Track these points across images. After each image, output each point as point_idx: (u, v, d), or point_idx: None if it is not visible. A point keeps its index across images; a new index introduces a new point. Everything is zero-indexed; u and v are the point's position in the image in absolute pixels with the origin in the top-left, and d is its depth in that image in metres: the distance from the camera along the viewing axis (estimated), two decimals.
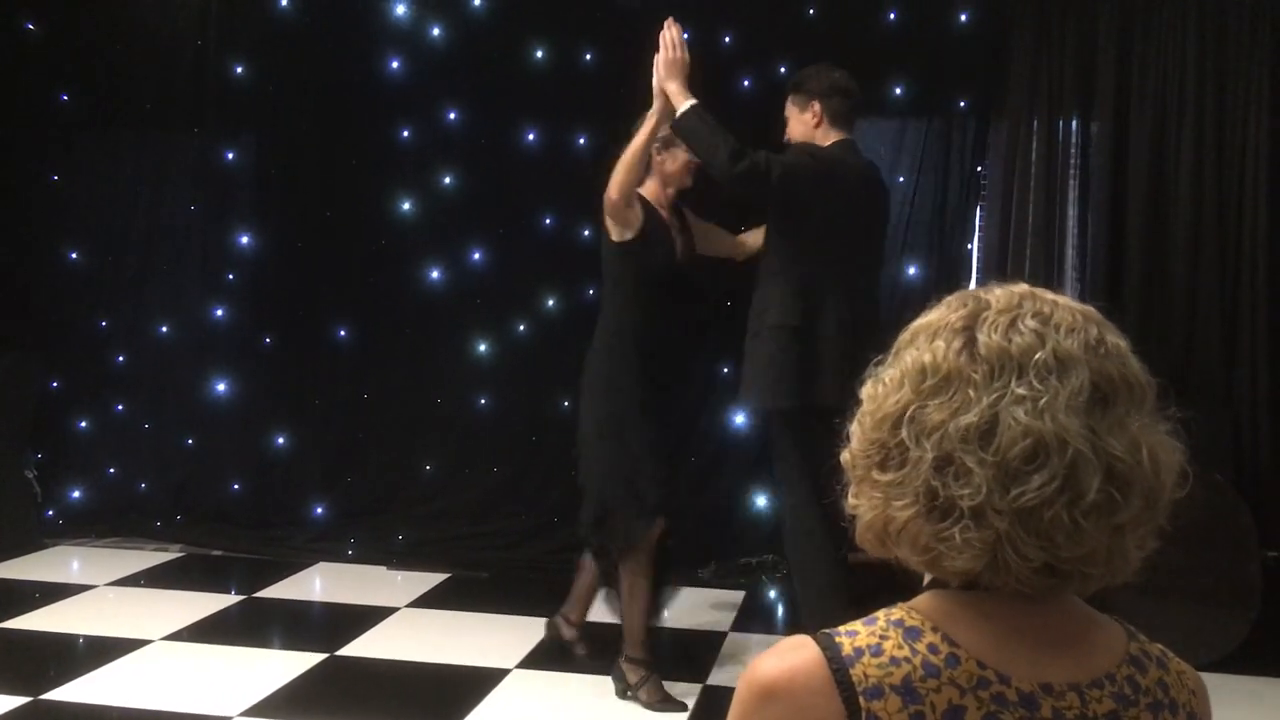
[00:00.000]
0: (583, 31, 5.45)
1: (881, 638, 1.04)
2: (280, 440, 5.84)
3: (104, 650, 4.27)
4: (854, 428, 1.11)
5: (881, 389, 1.08)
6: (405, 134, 5.67)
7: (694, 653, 4.43)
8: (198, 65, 5.84)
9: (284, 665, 4.19)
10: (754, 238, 4.16)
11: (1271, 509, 4.63)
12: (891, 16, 5.26)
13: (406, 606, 4.90)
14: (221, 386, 5.88)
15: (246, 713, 3.77)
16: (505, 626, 4.61)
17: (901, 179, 5.32)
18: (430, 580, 5.24)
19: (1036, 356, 1.03)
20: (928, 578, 1.10)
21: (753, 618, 4.90)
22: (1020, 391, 1.01)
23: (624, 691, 3.94)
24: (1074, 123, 5.10)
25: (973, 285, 5.16)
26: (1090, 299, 1.12)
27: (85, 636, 4.46)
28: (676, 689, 4.02)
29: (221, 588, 5.08)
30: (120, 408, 5.97)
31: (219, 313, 5.90)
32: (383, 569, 5.41)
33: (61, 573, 5.28)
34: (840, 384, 3.88)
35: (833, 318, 3.80)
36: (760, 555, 5.31)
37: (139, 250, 5.96)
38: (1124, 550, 1.04)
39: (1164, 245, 4.97)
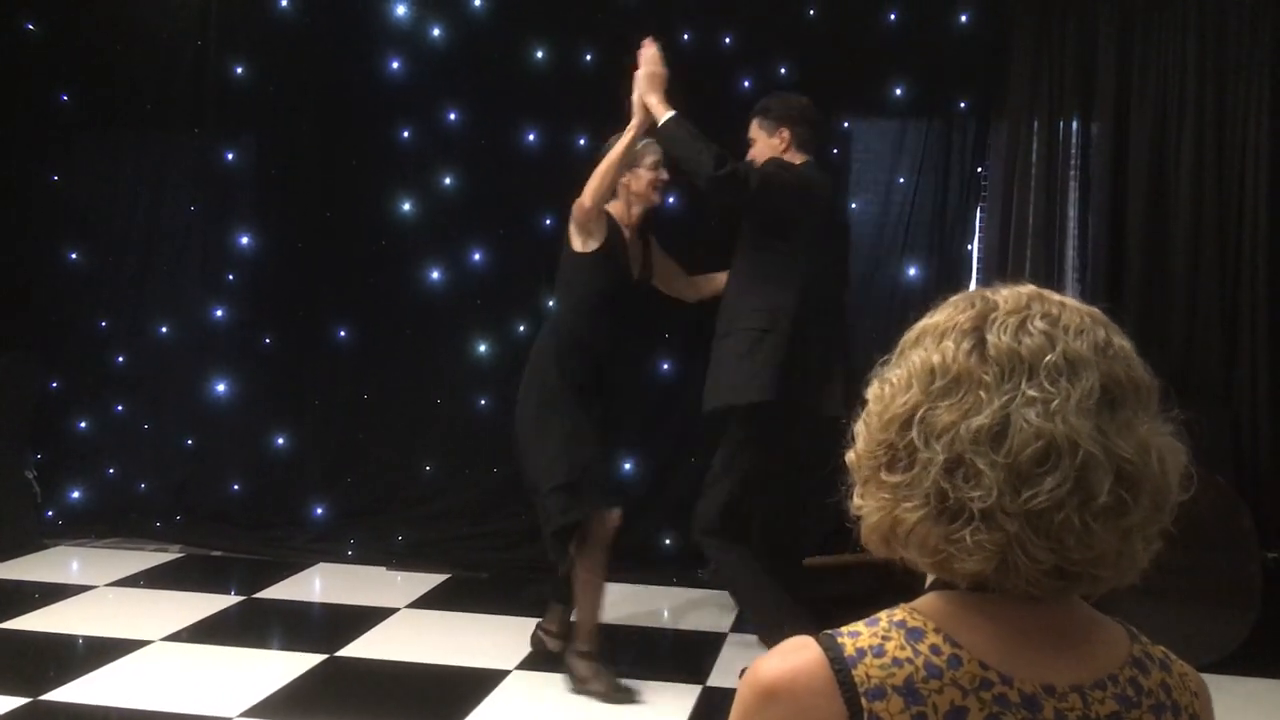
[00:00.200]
0: (582, 32, 5.45)
1: (884, 639, 1.04)
2: (280, 440, 5.83)
3: (104, 651, 4.27)
4: (859, 428, 1.10)
5: (889, 389, 1.07)
6: (405, 134, 5.67)
7: (693, 654, 4.43)
8: (198, 65, 5.84)
9: (283, 666, 4.19)
10: (710, 284, 4.32)
11: (1272, 510, 4.63)
12: (892, 17, 5.26)
13: (406, 607, 4.90)
14: (221, 387, 5.87)
15: (246, 713, 3.76)
16: (505, 627, 4.61)
17: (902, 179, 5.32)
18: (430, 581, 5.24)
19: (1047, 358, 1.02)
20: (929, 579, 1.10)
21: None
22: (1031, 393, 1.01)
23: (577, 686, 3.98)
24: (1074, 123, 5.11)
25: (973, 286, 5.17)
26: (1091, 300, 1.11)
27: (85, 637, 4.46)
28: (675, 690, 4.02)
29: (221, 588, 5.08)
30: (120, 408, 5.97)
31: (219, 313, 5.90)
32: (382, 569, 5.41)
33: (61, 573, 5.28)
34: (808, 383, 3.95)
35: (801, 322, 3.93)
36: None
37: (139, 250, 5.96)
38: (1133, 552, 1.04)
39: (1164, 246, 4.97)
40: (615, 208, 4.02)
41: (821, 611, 3.73)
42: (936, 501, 1.02)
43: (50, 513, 5.88)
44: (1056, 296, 1.09)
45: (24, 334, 5.84)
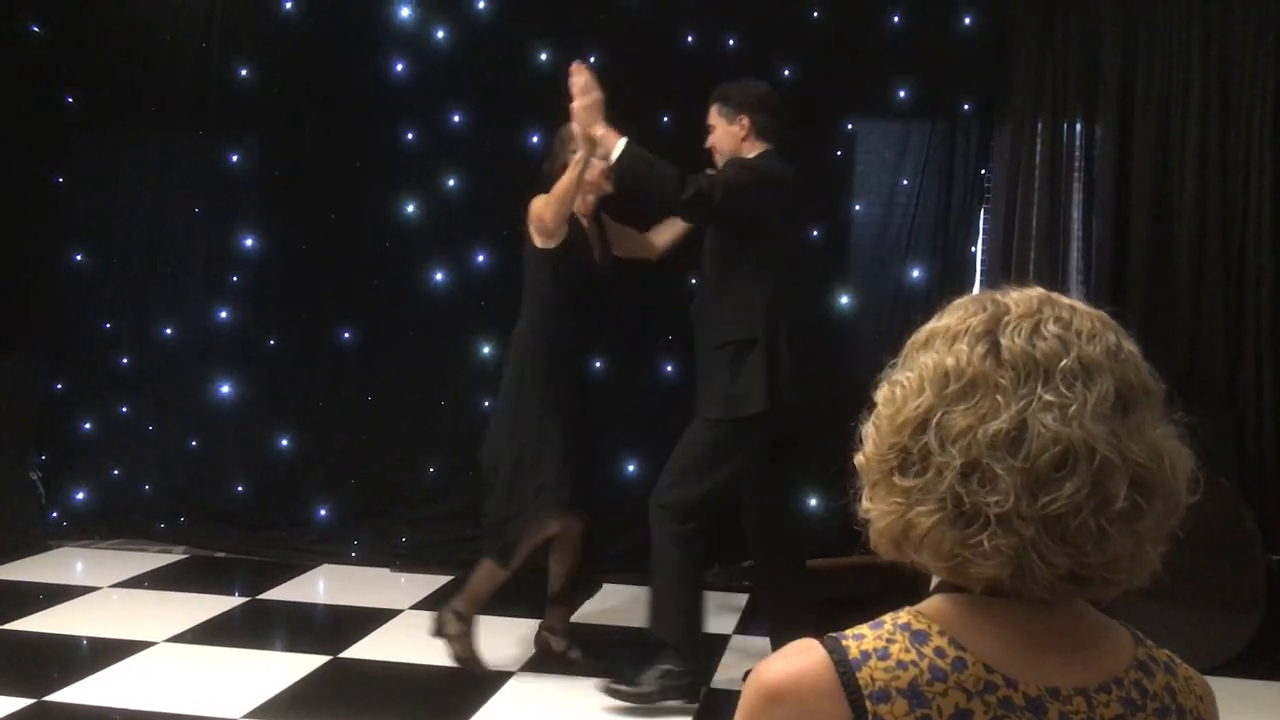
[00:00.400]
0: (586, 34, 5.45)
1: (888, 641, 1.04)
2: (284, 442, 5.84)
3: (108, 652, 4.27)
4: (869, 430, 1.09)
5: (900, 392, 1.06)
6: (409, 136, 5.67)
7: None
8: (202, 67, 5.85)
9: (287, 667, 4.19)
10: (661, 235, 4.34)
11: (1276, 513, 4.62)
12: (895, 19, 5.26)
13: (410, 609, 4.90)
14: (225, 388, 5.88)
15: (250, 715, 3.77)
16: (508, 630, 4.60)
17: (905, 182, 5.32)
18: (433, 582, 5.24)
19: (1062, 363, 1.02)
20: (934, 582, 1.10)
21: (757, 621, 4.89)
22: (1048, 398, 1.01)
23: (437, 632, 4.09)
24: (1078, 125, 5.10)
25: (977, 288, 5.17)
26: (1094, 301, 1.11)
27: (89, 638, 4.46)
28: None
29: (225, 589, 5.08)
30: (124, 409, 5.98)
31: (223, 315, 5.91)
32: (386, 571, 5.41)
33: (65, 574, 5.29)
34: (797, 393, 3.91)
35: (786, 328, 3.89)
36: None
37: (143, 252, 5.97)
38: (1145, 556, 1.04)
39: (1168, 248, 4.97)
40: None
41: (825, 613, 3.73)
42: (952, 506, 1.01)
43: (55, 514, 5.88)
44: (1066, 300, 1.08)
45: (28, 335, 5.86)
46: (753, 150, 4.00)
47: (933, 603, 1.08)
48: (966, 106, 5.26)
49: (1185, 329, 4.93)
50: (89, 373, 5.98)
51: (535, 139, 5.59)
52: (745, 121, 3.98)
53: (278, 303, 5.85)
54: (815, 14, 5.32)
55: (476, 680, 4.10)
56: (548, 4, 5.52)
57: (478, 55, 5.58)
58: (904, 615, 1.07)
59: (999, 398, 1.01)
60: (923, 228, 5.30)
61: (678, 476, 3.90)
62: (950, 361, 1.04)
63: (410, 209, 5.67)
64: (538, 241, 3.99)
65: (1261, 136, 4.86)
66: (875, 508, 1.07)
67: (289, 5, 5.75)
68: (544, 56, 5.52)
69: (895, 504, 1.05)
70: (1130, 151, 5.00)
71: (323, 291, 5.77)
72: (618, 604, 4.79)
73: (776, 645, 3.93)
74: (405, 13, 5.65)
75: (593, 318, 4.19)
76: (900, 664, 1.02)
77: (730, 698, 3.91)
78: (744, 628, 4.75)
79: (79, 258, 5.98)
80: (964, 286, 5.08)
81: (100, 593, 5.03)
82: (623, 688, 3.84)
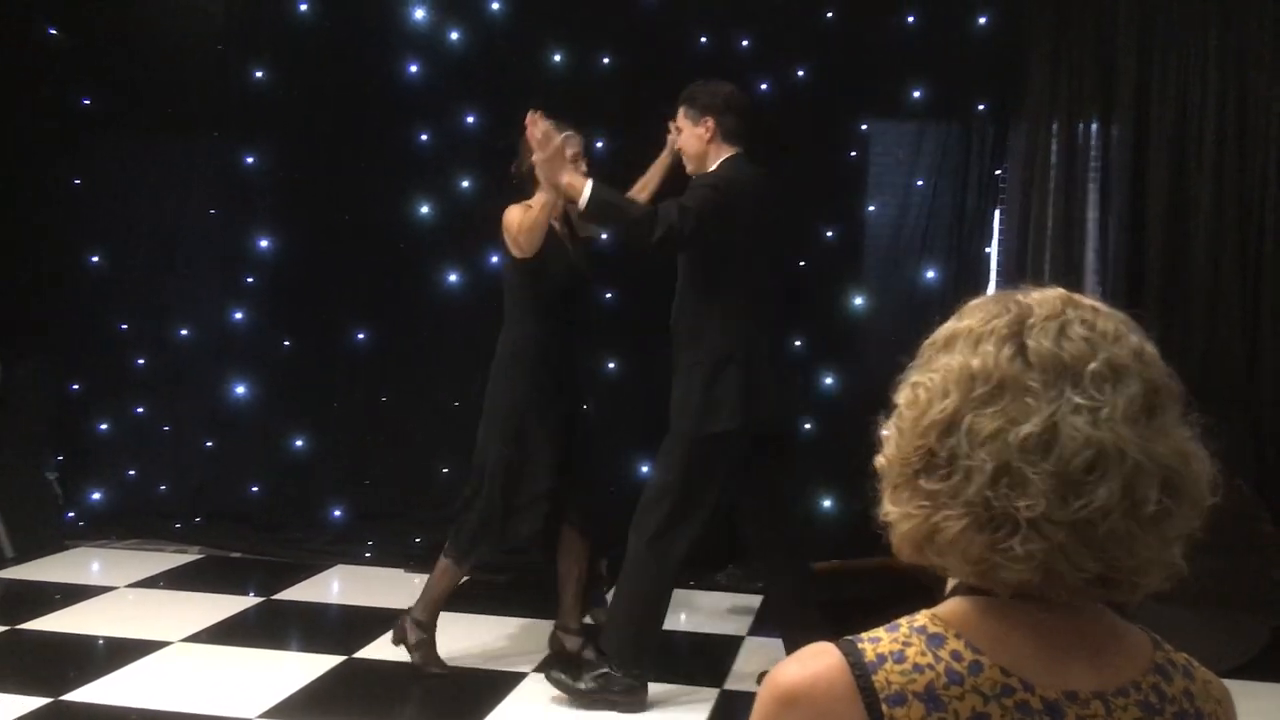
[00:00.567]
0: (600, 35, 5.46)
1: (904, 644, 1.03)
2: (299, 443, 5.86)
3: (124, 651, 4.29)
4: (890, 432, 1.08)
5: (923, 394, 1.05)
6: (423, 137, 5.69)
7: (712, 657, 4.42)
8: (218, 70, 5.87)
9: (302, 667, 4.20)
10: (644, 192, 4.28)
11: None
12: (910, 19, 5.25)
13: None
14: (240, 389, 5.90)
15: (265, 714, 3.78)
16: (522, 630, 4.61)
17: (920, 182, 5.31)
18: None
19: (1091, 366, 1.01)
20: (950, 584, 1.10)
21: (770, 622, 4.88)
22: (1078, 400, 1.00)
23: (398, 641, 4.16)
24: (1093, 125, 5.08)
25: (991, 288, 5.16)
26: (1110, 302, 1.10)
27: (105, 638, 4.49)
28: (693, 693, 4.02)
29: (240, 589, 5.10)
30: (140, 410, 6.00)
31: (238, 316, 5.93)
32: (400, 571, 5.42)
33: (82, 574, 5.32)
34: (774, 407, 3.94)
35: (762, 341, 3.89)
36: None
37: (159, 253, 5.99)
38: (1172, 558, 1.03)
39: (1184, 248, 4.94)
40: (540, 200, 4.04)
41: (838, 616, 3.72)
42: (983, 510, 1.00)
43: (71, 514, 5.92)
44: (1087, 300, 1.07)
45: (45, 336, 5.89)
46: (719, 154, 3.90)
47: (949, 606, 1.07)
48: (981, 107, 5.25)
49: (1201, 328, 4.90)
50: (105, 374, 6.00)
51: None
52: (710, 123, 3.88)
53: (293, 304, 5.87)
54: (829, 14, 5.31)
55: (490, 681, 4.10)
56: (562, 5, 5.53)
57: (492, 56, 5.58)
58: (920, 618, 1.06)
59: (1029, 400, 1.00)
60: (937, 228, 5.29)
61: (657, 496, 3.86)
62: (976, 363, 1.03)
63: (424, 210, 5.68)
64: (514, 252, 3.99)
65: (1279, 136, 4.83)
66: (897, 511, 1.06)
67: (304, 7, 5.77)
68: (558, 58, 5.53)
69: (920, 507, 1.03)
70: (1146, 152, 4.98)
71: (337, 292, 5.78)
72: None
73: (790, 646, 3.94)
74: (420, 14, 5.66)
75: (575, 321, 4.21)
76: (916, 667, 1.02)
77: (743, 699, 3.91)
78: (758, 629, 4.74)
79: (95, 259, 6.01)
80: (979, 287, 5.06)
81: (116, 592, 5.05)
82: (563, 679, 3.90)
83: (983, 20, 5.19)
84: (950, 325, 1.09)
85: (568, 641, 4.26)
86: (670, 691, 4.02)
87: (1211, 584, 4.06)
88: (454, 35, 5.64)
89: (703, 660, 4.40)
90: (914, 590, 1.35)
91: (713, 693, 4.05)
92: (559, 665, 4.02)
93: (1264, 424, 4.84)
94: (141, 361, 6.00)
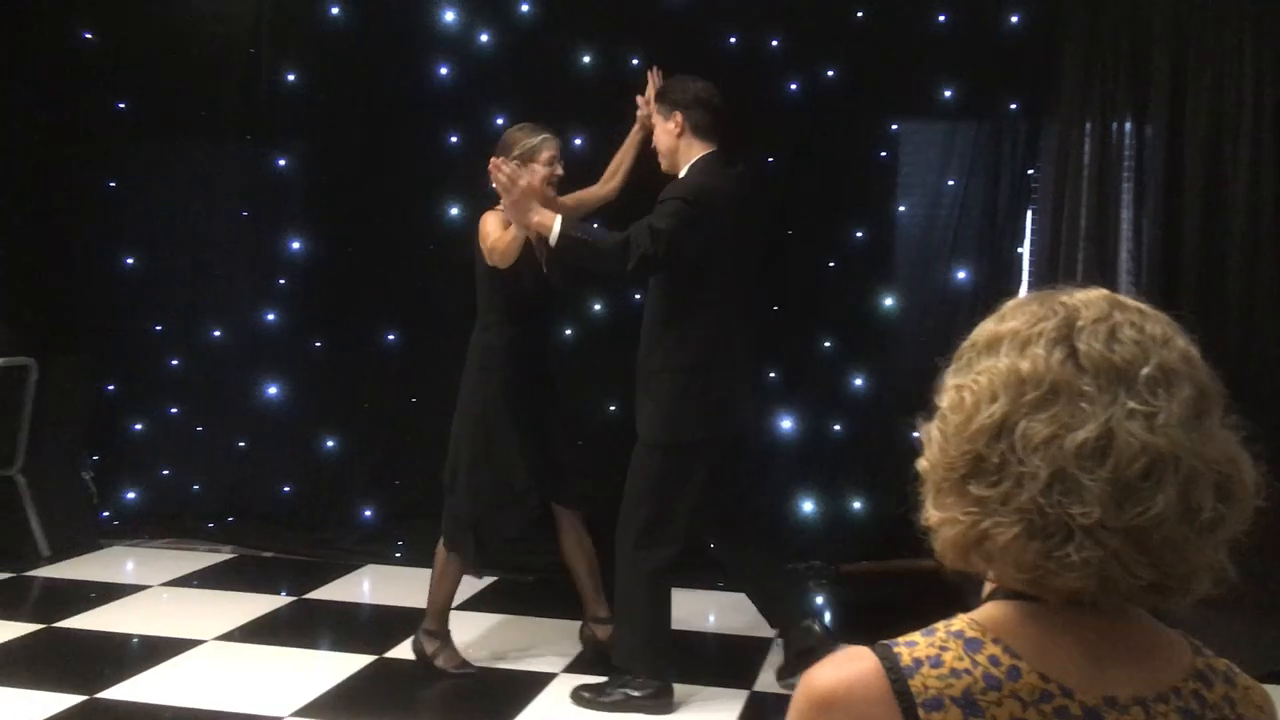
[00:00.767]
0: (629, 36, 5.45)
1: (941, 649, 1.02)
2: (330, 443, 5.89)
3: (157, 650, 4.33)
4: (933, 435, 1.06)
5: (969, 397, 1.03)
6: (453, 139, 5.70)
7: (740, 659, 4.40)
8: (250, 73, 5.92)
9: (333, 666, 4.23)
10: (611, 183, 4.39)
11: None
12: (941, 18, 5.21)
13: (453, 609, 4.91)
14: (272, 390, 5.94)
15: (297, 713, 3.80)
16: (551, 630, 4.62)
17: (951, 182, 5.28)
18: (476, 584, 5.24)
19: (1144, 370, 1.00)
20: (987, 589, 1.08)
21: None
22: (1132, 405, 0.98)
23: (420, 658, 4.16)
24: (1127, 124, 5.02)
25: (1024, 289, 5.12)
26: (1146, 304, 1.08)
27: (139, 636, 4.53)
28: (722, 694, 4.01)
29: (272, 589, 5.13)
30: (174, 411, 6.06)
31: (270, 317, 5.97)
32: (430, 571, 5.43)
33: (116, 573, 5.37)
34: (745, 415, 3.95)
35: (736, 345, 3.86)
36: (806, 561, 5.28)
37: (192, 255, 6.05)
38: (1223, 562, 1.02)
39: (1220, 249, 4.88)
40: None
41: (870, 619, 3.70)
42: (1037, 517, 0.98)
43: (106, 513, 5.98)
44: (1132, 302, 1.05)
45: (80, 337, 5.95)
46: (690, 151, 3.85)
47: (987, 610, 1.06)
48: (1013, 106, 5.20)
49: (1238, 330, 4.84)
50: (139, 374, 6.06)
51: (578, 141, 5.59)
52: (679, 119, 3.84)
53: (323, 305, 5.90)
54: (860, 14, 5.29)
55: (520, 681, 4.11)
56: (591, 6, 5.53)
57: (521, 59, 5.59)
58: (957, 623, 1.05)
59: (1084, 405, 0.98)
60: (968, 228, 5.25)
61: (633, 505, 3.85)
62: (1026, 366, 1.01)
63: (454, 212, 5.70)
64: (488, 259, 3.99)
65: None
66: (941, 515, 1.04)
67: (335, 11, 5.81)
68: (587, 59, 5.53)
69: (967, 513, 1.01)
70: (1181, 151, 4.91)
71: (367, 294, 5.81)
72: None
73: (789, 637, 3.99)
74: (450, 17, 5.68)
75: (548, 324, 4.37)
76: (954, 672, 1.01)
77: (774, 700, 3.90)
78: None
79: (130, 261, 6.07)
80: (1011, 288, 5.02)
81: (150, 591, 5.10)
82: (587, 695, 3.91)
83: (1014, 19, 5.15)
84: (990, 327, 1.07)
85: (599, 631, 4.26)
86: (699, 693, 4.01)
87: (1250, 589, 4.00)
88: (483, 37, 5.66)
89: (731, 661, 4.38)
90: (943, 592, 1.34)
91: (742, 694, 4.04)
92: (587, 671, 4.01)
93: None
94: (175, 362, 6.06)
